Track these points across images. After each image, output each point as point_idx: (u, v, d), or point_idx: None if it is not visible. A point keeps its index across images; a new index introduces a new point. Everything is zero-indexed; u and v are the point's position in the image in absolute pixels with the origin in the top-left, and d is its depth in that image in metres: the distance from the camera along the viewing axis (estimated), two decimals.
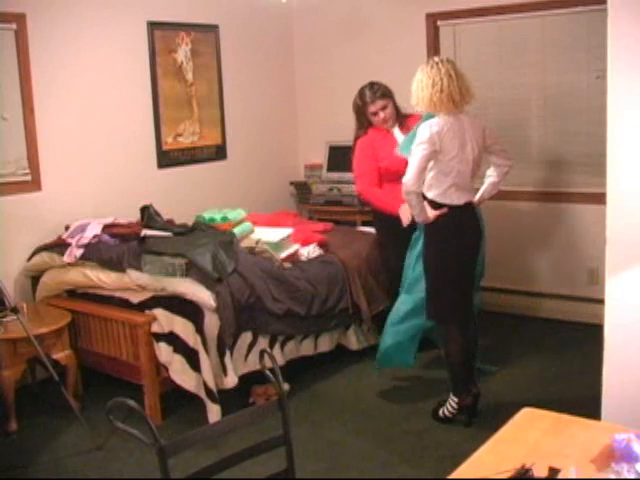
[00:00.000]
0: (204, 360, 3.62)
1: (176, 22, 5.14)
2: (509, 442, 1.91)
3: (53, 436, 3.68)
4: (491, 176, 3.62)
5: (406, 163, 3.46)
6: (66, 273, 4.17)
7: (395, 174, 4.05)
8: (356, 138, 4.33)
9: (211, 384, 3.62)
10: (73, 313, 4.05)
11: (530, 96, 5.06)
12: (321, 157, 5.92)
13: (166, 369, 3.76)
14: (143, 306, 3.89)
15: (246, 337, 3.85)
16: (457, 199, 3.47)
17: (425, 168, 3.37)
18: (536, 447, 1.85)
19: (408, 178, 3.34)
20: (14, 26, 4.19)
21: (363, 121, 4.27)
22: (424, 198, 3.46)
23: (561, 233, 5.05)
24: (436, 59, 3.42)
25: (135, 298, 3.92)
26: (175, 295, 3.76)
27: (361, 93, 4.25)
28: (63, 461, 3.45)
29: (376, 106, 4.16)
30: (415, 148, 3.37)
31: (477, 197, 3.65)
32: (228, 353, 3.69)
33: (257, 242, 4.26)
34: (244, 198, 5.41)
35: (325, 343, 4.33)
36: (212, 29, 5.40)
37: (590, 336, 4.45)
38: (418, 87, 3.40)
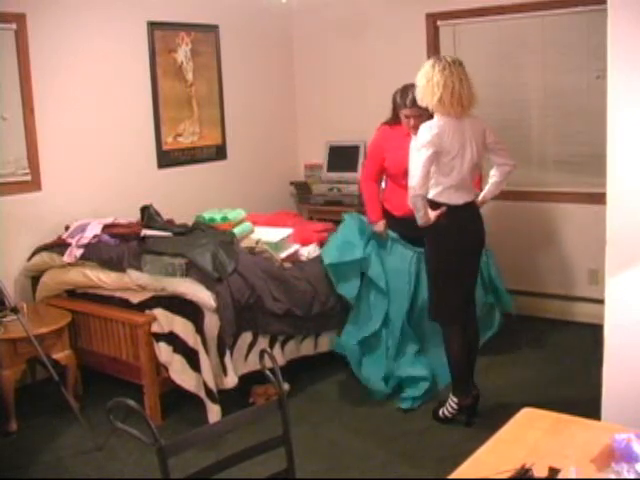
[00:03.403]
0: (204, 360, 3.62)
1: (176, 22, 5.14)
2: (509, 442, 1.91)
3: (53, 436, 3.68)
4: (494, 176, 3.60)
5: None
6: (66, 273, 4.17)
7: (395, 177, 4.07)
8: (382, 123, 4.21)
9: (211, 384, 3.62)
10: (73, 313, 4.05)
11: (530, 96, 5.06)
12: (321, 157, 5.92)
13: (166, 369, 3.76)
14: (143, 306, 3.89)
15: (246, 337, 3.85)
16: (456, 199, 3.46)
17: (429, 171, 3.36)
18: (536, 447, 1.85)
19: (415, 182, 3.32)
20: (14, 26, 4.19)
21: (395, 114, 4.08)
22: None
23: (561, 233, 5.05)
24: (448, 59, 3.37)
25: (135, 298, 3.92)
26: (175, 295, 3.76)
27: (403, 92, 3.91)
28: (63, 461, 3.45)
29: (410, 112, 3.88)
30: (417, 152, 3.37)
31: (480, 197, 3.65)
32: (228, 353, 3.69)
33: (257, 242, 4.26)
34: (244, 198, 5.41)
35: (325, 343, 4.32)
36: (212, 29, 5.40)
37: (590, 336, 4.46)
38: (428, 85, 3.35)
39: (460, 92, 3.31)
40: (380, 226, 4.17)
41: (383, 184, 4.32)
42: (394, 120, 4.08)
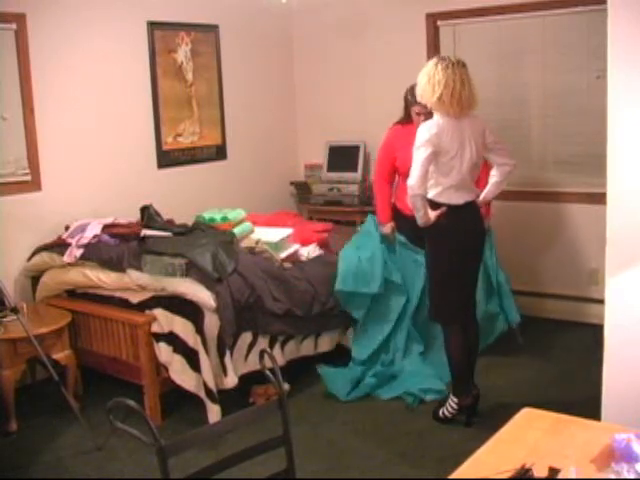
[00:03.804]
0: (204, 360, 3.62)
1: (176, 22, 5.14)
2: (509, 442, 1.91)
3: (53, 436, 3.68)
4: (494, 176, 3.59)
5: None
6: (66, 273, 4.17)
7: (405, 175, 4.05)
8: (394, 123, 4.20)
9: (211, 384, 3.62)
10: (73, 313, 4.05)
11: (530, 96, 5.07)
12: (321, 157, 5.92)
13: (166, 369, 3.76)
14: (143, 306, 3.89)
15: (246, 337, 3.85)
16: (456, 199, 3.46)
17: (428, 170, 3.36)
18: (536, 447, 1.85)
19: (413, 181, 3.33)
20: (14, 26, 4.19)
21: (406, 113, 4.08)
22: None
23: (561, 233, 5.05)
24: (453, 59, 3.38)
25: (135, 298, 3.92)
26: (175, 295, 3.76)
27: (413, 90, 3.86)
28: (63, 461, 3.45)
29: (421, 109, 3.85)
30: (416, 151, 3.37)
31: (481, 197, 3.64)
32: (228, 353, 3.69)
33: (257, 242, 4.26)
34: (244, 198, 5.41)
35: (325, 343, 4.32)
36: (212, 29, 5.40)
37: (590, 336, 4.46)
38: (429, 82, 3.35)
39: (460, 93, 3.31)
40: (388, 228, 4.17)
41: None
42: (406, 119, 4.07)
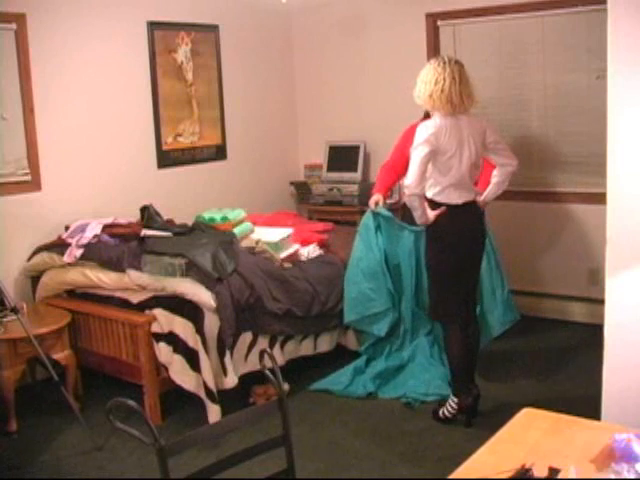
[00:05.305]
0: (204, 360, 3.62)
1: (176, 22, 5.14)
2: (509, 442, 1.91)
3: (53, 436, 3.68)
4: (496, 176, 3.59)
5: None
6: (66, 273, 4.17)
7: None
8: (421, 118, 4.07)
9: (211, 384, 3.62)
10: (73, 313, 4.05)
11: (530, 96, 5.06)
12: (321, 157, 5.92)
13: (166, 369, 3.76)
14: (143, 306, 3.89)
15: (246, 337, 3.85)
16: (456, 198, 3.46)
17: (425, 169, 3.36)
18: (536, 447, 1.85)
19: (410, 181, 3.33)
20: (14, 26, 4.19)
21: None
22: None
23: (561, 233, 5.05)
24: (446, 58, 3.40)
25: (135, 298, 3.92)
26: (175, 295, 3.76)
27: None
28: (63, 461, 3.45)
29: None
30: (413, 150, 3.37)
31: (482, 197, 3.63)
32: (228, 353, 3.69)
33: (257, 242, 4.26)
34: (244, 198, 5.41)
35: (325, 343, 4.32)
36: (212, 29, 5.40)
37: (590, 336, 4.46)
38: (422, 80, 3.40)
39: (450, 90, 3.31)
40: (375, 197, 4.11)
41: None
42: (427, 116, 4.04)
